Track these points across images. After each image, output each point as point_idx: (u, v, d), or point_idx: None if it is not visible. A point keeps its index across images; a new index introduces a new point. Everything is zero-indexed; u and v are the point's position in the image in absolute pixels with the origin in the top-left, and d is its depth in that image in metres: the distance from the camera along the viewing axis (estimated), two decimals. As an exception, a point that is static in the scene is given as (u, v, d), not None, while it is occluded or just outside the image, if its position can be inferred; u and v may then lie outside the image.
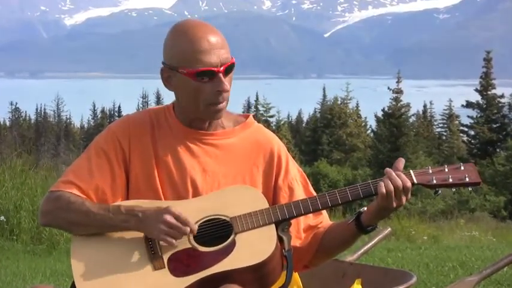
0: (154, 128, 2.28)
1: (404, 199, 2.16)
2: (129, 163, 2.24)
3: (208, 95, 2.15)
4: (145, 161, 2.24)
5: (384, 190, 2.13)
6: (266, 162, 2.29)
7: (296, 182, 2.31)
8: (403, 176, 2.16)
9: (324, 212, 2.34)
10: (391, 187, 2.13)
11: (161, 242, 2.11)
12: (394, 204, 2.15)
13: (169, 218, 2.07)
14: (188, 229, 2.08)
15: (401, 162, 2.21)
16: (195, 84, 2.15)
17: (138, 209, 2.12)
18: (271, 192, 2.28)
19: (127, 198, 2.23)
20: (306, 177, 2.38)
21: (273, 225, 2.14)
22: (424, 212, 23.43)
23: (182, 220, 2.08)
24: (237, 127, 2.31)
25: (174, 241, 2.08)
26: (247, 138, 2.30)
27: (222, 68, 2.14)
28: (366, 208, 2.23)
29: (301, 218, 2.27)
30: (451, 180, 2.20)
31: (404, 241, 10.06)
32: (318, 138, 47.97)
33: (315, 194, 2.32)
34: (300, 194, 2.29)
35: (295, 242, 2.28)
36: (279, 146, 2.33)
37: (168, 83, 2.22)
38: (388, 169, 2.18)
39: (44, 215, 2.21)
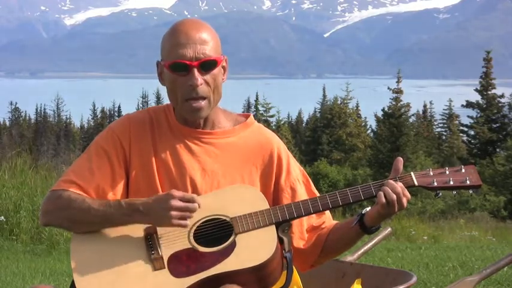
0: (154, 127, 2.28)
1: (405, 202, 2.16)
2: (129, 162, 2.24)
3: (183, 89, 2.16)
4: (145, 160, 2.24)
5: (384, 200, 2.15)
6: (265, 163, 2.29)
7: (298, 182, 2.31)
8: (401, 184, 2.17)
9: (327, 211, 2.34)
10: (392, 197, 2.15)
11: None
12: (396, 210, 2.16)
13: (176, 202, 2.07)
14: (197, 205, 2.09)
15: (400, 162, 2.21)
16: (171, 76, 2.17)
17: (138, 202, 2.12)
18: (271, 192, 2.28)
19: (127, 197, 2.23)
20: (307, 175, 2.38)
21: (274, 226, 2.13)
22: (424, 212, 23.42)
23: (189, 199, 2.08)
24: (237, 126, 2.30)
25: (188, 223, 2.09)
26: (247, 138, 2.30)
27: (195, 63, 2.14)
28: (368, 209, 2.23)
29: (304, 218, 2.28)
30: (452, 182, 2.21)
31: (404, 241, 10.07)
32: (318, 138, 48.00)
33: (317, 193, 2.33)
34: (302, 194, 2.29)
35: (299, 243, 2.29)
36: (279, 146, 2.32)
37: (160, 77, 2.25)
38: (388, 180, 2.19)
39: (45, 215, 2.20)
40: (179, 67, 2.15)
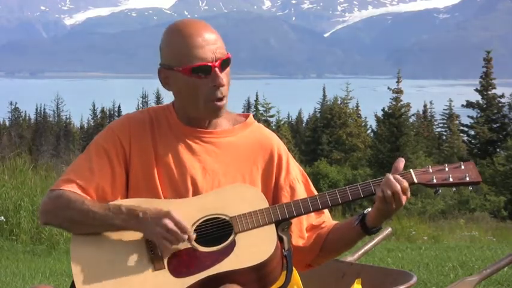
0: (154, 127, 2.28)
1: (404, 199, 2.15)
2: (129, 161, 2.24)
3: (206, 90, 2.16)
4: (145, 160, 2.24)
5: (382, 194, 2.14)
6: (266, 162, 2.29)
7: (297, 181, 2.31)
8: (401, 178, 2.16)
9: (327, 211, 2.34)
10: (389, 192, 2.14)
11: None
12: (394, 207, 2.15)
13: (168, 222, 2.06)
14: (186, 237, 2.07)
15: (401, 162, 2.21)
16: (191, 80, 2.16)
17: (139, 209, 2.11)
18: (271, 191, 2.28)
19: (127, 197, 2.22)
20: (306, 175, 2.37)
21: (273, 225, 2.13)
22: (424, 212, 23.43)
23: (181, 227, 2.07)
24: (237, 126, 2.31)
25: (169, 245, 2.07)
26: (247, 137, 2.30)
27: (217, 63, 2.15)
28: (369, 209, 2.23)
29: (304, 217, 2.27)
30: (451, 179, 2.20)
31: (404, 241, 10.07)
32: (318, 138, 47.99)
33: (316, 192, 2.33)
34: (301, 194, 2.29)
35: (298, 242, 2.28)
36: (279, 146, 2.33)
37: (166, 83, 2.23)
38: (387, 174, 2.18)
39: (44, 214, 2.20)
40: (202, 70, 2.14)
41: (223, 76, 2.17)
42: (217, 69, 2.15)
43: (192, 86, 2.17)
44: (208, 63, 2.14)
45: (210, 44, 2.15)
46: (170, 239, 2.06)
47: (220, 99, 2.18)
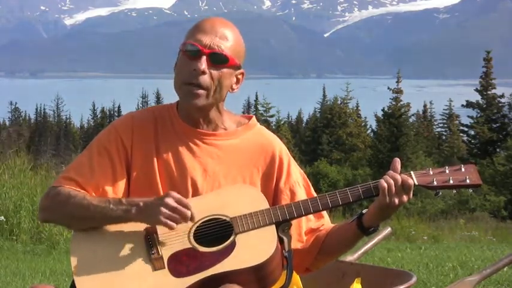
0: (157, 127, 2.27)
1: (405, 197, 2.14)
2: (130, 161, 2.24)
3: (186, 71, 2.15)
4: (146, 160, 2.23)
5: (385, 184, 2.12)
6: (267, 165, 2.28)
7: (298, 185, 2.31)
8: (406, 176, 2.16)
9: (326, 214, 2.33)
10: (391, 181, 2.13)
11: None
12: (396, 201, 2.13)
13: (170, 200, 2.05)
14: (189, 213, 2.06)
15: (397, 162, 2.18)
16: (182, 58, 2.18)
17: (139, 199, 2.11)
18: (271, 194, 2.28)
19: (128, 196, 2.22)
20: (308, 179, 2.37)
21: (274, 226, 2.13)
22: (424, 212, 23.42)
23: (183, 204, 2.06)
24: (240, 128, 2.30)
25: (175, 225, 2.05)
26: (250, 139, 2.29)
27: (207, 50, 2.14)
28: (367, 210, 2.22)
29: (303, 221, 2.27)
30: (451, 181, 2.19)
31: (404, 241, 10.08)
32: (317, 138, 48.03)
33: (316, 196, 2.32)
34: (302, 197, 2.28)
35: (297, 245, 2.27)
36: (280, 149, 2.32)
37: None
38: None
39: (44, 211, 2.20)
40: (191, 50, 2.15)
41: (213, 71, 2.15)
42: (204, 56, 2.14)
43: (180, 64, 2.18)
44: (198, 46, 2.14)
45: (215, 35, 2.16)
46: (174, 217, 2.04)
47: (196, 86, 2.15)
